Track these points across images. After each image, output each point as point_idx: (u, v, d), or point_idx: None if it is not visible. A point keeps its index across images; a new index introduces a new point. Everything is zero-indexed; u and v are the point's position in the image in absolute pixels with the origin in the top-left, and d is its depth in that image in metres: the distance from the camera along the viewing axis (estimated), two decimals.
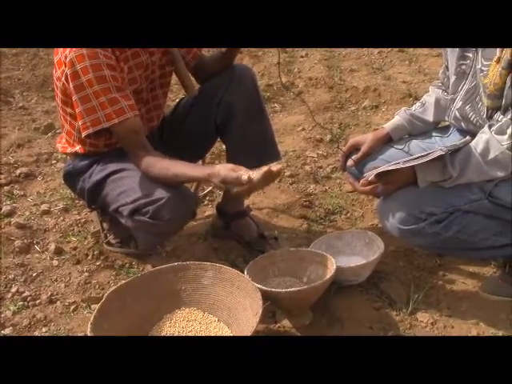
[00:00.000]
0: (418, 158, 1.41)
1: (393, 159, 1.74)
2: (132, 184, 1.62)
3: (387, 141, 1.78)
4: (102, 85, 1.51)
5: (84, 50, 1.49)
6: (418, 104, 1.81)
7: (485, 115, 1.49)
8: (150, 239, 1.74)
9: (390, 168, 1.43)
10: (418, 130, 1.79)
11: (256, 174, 1.35)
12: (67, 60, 1.51)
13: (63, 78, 1.57)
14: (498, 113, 1.43)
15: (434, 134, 1.76)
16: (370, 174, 1.49)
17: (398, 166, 1.42)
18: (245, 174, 1.36)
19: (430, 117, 1.77)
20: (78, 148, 1.73)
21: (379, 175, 1.48)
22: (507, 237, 1.48)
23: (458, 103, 1.57)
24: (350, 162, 1.80)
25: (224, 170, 1.42)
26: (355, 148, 1.80)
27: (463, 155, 1.42)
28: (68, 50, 1.51)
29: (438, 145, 1.69)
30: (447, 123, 1.76)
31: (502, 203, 1.45)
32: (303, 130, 2.91)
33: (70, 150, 1.76)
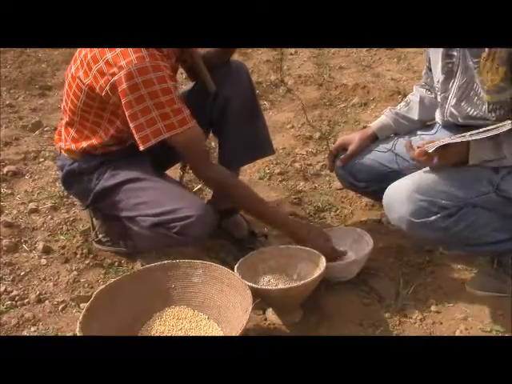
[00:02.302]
0: (484, 131, 1.37)
1: (379, 158, 1.76)
2: (153, 196, 1.62)
3: (374, 140, 1.80)
4: (167, 96, 1.49)
5: (147, 63, 1.45)
6: (402, 103, 1.83)
7: (485, 109, 1.49)
8: (157, 245, 1.73)
9: (455, 141, 1.40)
10: (404, 128, 1.81)
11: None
12: (124, 72, 1.45)
13: (107, 88, 1.51)
14: None
15: (419, 132, 1.78)
16: (431, 146, 1.44)
17: (464, 139, 1.38)
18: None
19: (415, 115, 1.80)
20: (88, 143, 1.69)
21: (437, 149, 1.44)
22: (502, 233, 1.51)
23: (452, 100, 1.57)
24: (338, 163, 1.81)
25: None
26: (343, 148, 1.82)
27: None
28: (122, 59, 1.46)
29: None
30: (433, 122, 1.78)
31: (507, 196, 1.46)
32: (292, 127, 2.91)
33: (74, 146, 1.71)
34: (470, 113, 1.54)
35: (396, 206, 1.48)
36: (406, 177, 1.53)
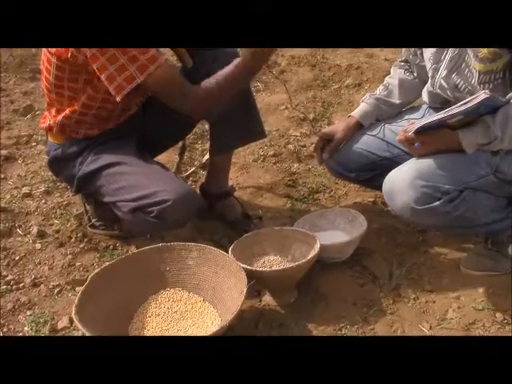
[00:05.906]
0: (459, 105, 1.36)
1: (368, 146, 1.74)
2: (132, 181, 1.58)
3: (358, 128, 1.79)
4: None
5: None
6: (381, 87, 1.81)
7: (474, 81, 1.47)
8: (143, 230, 1.72)
9: (431, 120, 1.39)
10: (386, 113, 1.79)
11: None
12: None
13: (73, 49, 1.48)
14: None
15: (406, 116, 1.76)
16: (410, 128, 1.44)
17: (440, 117, 1.37)
18: None
19: (395, 99, 1.78)
20: (62, 115, 1.65)
21: (419, 133, 1.43)
22: (496, 213, 1.52)
23: (443, 72, 1.55)
24: (325, 155, 1.79)
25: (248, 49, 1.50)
26: (327, 140, 1.80)
27: (501, 116, 1.40)
28: None
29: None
30: (417, 104, 1.77)
31: (504, 177, 1.47)
32: (286, 109, 2.89)
33: (52, 122, 1.67)
34: (459, 85, 1.52)
35: (398, 195, 1.45)
36: (405, 163, 1.50)
